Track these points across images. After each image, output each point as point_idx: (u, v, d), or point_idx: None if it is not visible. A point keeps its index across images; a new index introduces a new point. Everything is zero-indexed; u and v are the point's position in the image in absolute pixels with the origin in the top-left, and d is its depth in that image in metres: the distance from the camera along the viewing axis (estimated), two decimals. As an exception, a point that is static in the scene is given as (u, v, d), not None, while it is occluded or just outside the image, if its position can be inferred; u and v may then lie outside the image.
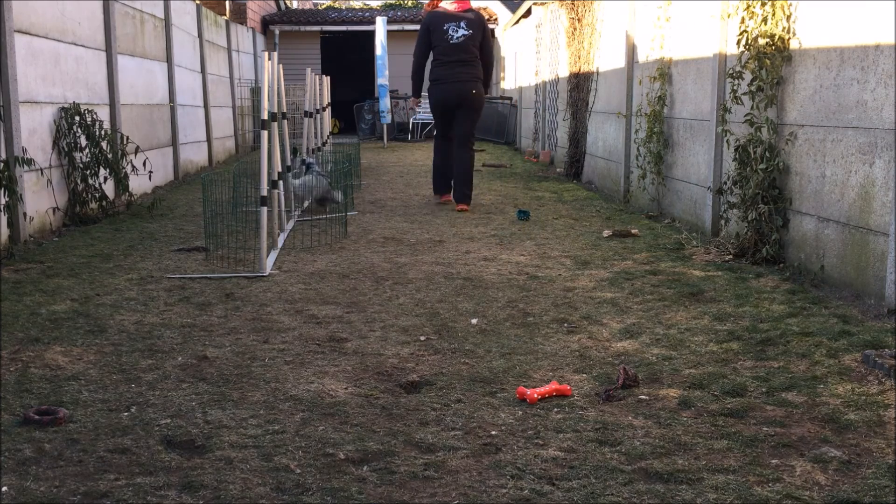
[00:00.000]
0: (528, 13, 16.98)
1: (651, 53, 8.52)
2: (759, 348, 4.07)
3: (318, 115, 11.11)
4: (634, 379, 3.61)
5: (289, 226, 7.69)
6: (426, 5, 9.66)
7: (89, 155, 7.97)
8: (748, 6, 5.95)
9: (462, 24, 8.99)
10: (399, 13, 24.44)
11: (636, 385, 3.59)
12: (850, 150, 4.95)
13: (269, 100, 6.36)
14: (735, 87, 6.25)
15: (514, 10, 19.26)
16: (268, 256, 6.11)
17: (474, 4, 10.69)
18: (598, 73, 11.02)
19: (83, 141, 7.92)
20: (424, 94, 10.07)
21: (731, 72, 6.23)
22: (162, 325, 4.53)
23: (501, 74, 22.37)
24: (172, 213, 8.80)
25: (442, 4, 9.23)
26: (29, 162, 6.69)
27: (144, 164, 9.42)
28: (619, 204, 9.36)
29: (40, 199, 7.26)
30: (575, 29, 11.90)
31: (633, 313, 4.75)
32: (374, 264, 6.14)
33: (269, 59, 6.29)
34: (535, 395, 3.42)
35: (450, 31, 8.99)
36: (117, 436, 3.08)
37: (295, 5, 28.64)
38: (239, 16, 19.82)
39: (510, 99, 20.46)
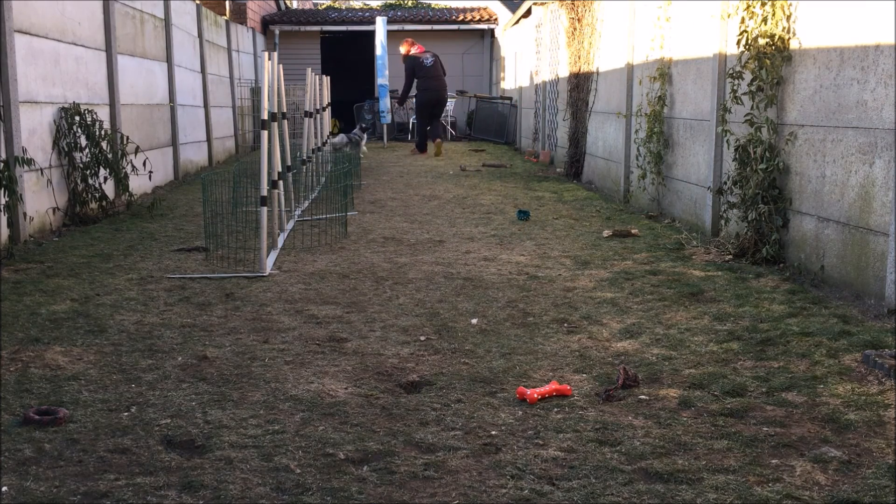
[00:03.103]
0: (528, 13, 16.97)
1: (651, 53, 8.52)
2: (759, 348, 4.07)
3: (318, 115, 11.11)
4: (634, 379, 3.61)
5: (289, 226, 7.69)
6: (405, 53, 16.60)
7: (89, 155, 7.97)
8: (748, 6, 5.95)
9: (428, 56, 16.46)
10: (399, 13, 24.36)
11: (636, 385, 3.59)
12: (850, 150, 4.95)
13: (269, 100, 6.36)
14: (735, 87, 6.25)
15: (514, 10, 19.22)
16: (268, 256, 6.11)
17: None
18: (598, 73, 11.02)
19: (83, 141, 7.92)
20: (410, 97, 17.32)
21: (731, 72, 6.23)
22: (162, 325, 4.53)
23: (501, 74, 22.33)
24: (172, 213, 8.81)
25: (412, 51, 16.48)
26: (29, 162, 6.69)
27: (144, 164, 9.42)
28: (619, 204, 9.36)
29: (40, 199, 7.26)
30: (575, 29, 11.90)
31: (633, 313, 4.75)
32: (374, 264, 6.14)
33: (269, 59, 6.29)
34: (535, 395, 3.42)
35: (424, 62, 16.34)
36: (117, 436, 3.09)
37: (295, 5, 28.61)
38: (239, 16, 19.81)
39: (510, 99, 20.45)
